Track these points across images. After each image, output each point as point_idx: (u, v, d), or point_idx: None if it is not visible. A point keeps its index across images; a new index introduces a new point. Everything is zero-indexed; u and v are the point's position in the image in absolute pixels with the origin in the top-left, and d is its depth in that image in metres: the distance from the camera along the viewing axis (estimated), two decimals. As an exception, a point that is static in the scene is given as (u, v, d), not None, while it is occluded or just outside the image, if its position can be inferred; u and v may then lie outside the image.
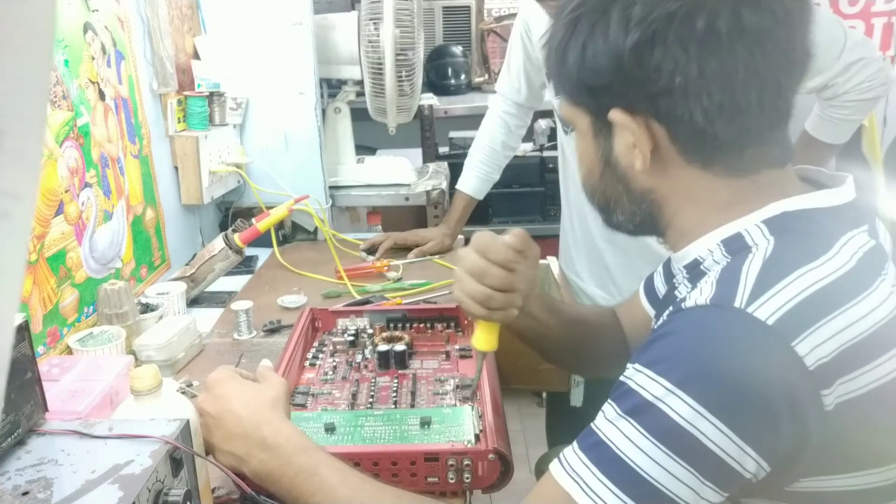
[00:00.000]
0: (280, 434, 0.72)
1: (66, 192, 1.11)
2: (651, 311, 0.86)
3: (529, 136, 2.21)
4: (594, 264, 1.46)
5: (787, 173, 0.65)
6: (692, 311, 0.59)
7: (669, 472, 0.54)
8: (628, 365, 0.60)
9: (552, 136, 2.67)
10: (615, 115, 0.63)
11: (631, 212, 0.70)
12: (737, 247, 0.62)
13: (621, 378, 0.59)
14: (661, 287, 0.85)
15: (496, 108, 1.61)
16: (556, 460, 0.60)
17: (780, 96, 0.62)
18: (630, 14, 0.59)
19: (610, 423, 0.57)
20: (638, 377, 0.57)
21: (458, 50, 2.68)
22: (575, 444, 0.60)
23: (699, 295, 0.59)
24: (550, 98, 1.43)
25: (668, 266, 0.81)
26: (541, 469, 1.32)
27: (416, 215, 2.02)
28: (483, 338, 0.84)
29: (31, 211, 0.24)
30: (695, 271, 0.66)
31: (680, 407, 0.54)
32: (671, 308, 0.64)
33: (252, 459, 0.71)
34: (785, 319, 0.54)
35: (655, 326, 0.66)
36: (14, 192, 0.22)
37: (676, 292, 0.70)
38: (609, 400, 0.59)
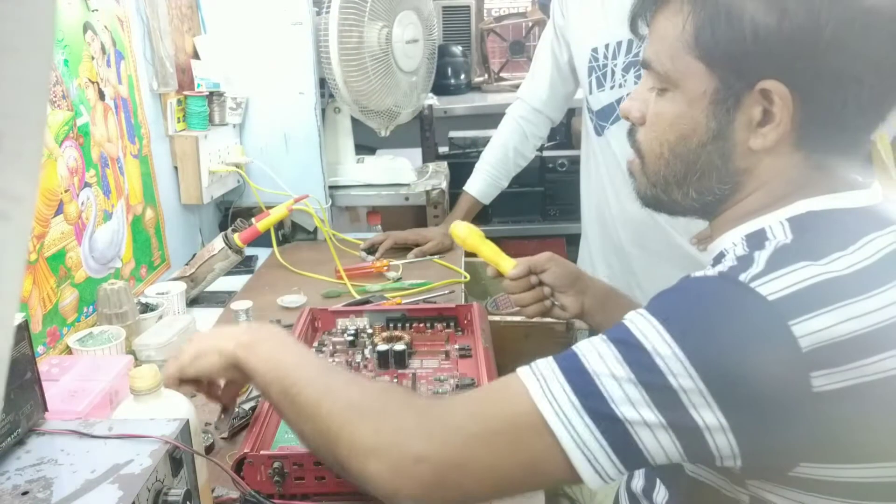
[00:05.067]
0: (283, 331, 0.79)
1: (66, 191, 1.11)
2: None
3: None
4: (619, 271, 1.44)
5: (844, 175, 0.65)
6: (699, 278, 0.61)
7: (630, 399, 0.56)
8: None
9: (552, 136, 2.67)
10: (774, 86, 0.60)
11: (708, 189, 0.67)
12: (758, 241, 0.63)
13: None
14: None
15: (514, 112, 1.58)
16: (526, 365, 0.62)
17: None
18: None
19: (590, 343, 0.60)
20: (632, 315, 0.60)
21: (457, 50, 2.68)
22: (551, 356, 0.62)
23: (710, 269, 0.61)
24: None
25: None
26: None
27: (415, 215, 2.02)
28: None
29: (30, 212, 0.24)
30: (718, 263, 0.67)
31: (662, 347, 0.56)
32: None
33: (245, 334, 0.76)
34: (787, 299, 0.55)
35: None
36: (14, 194, 0.22)
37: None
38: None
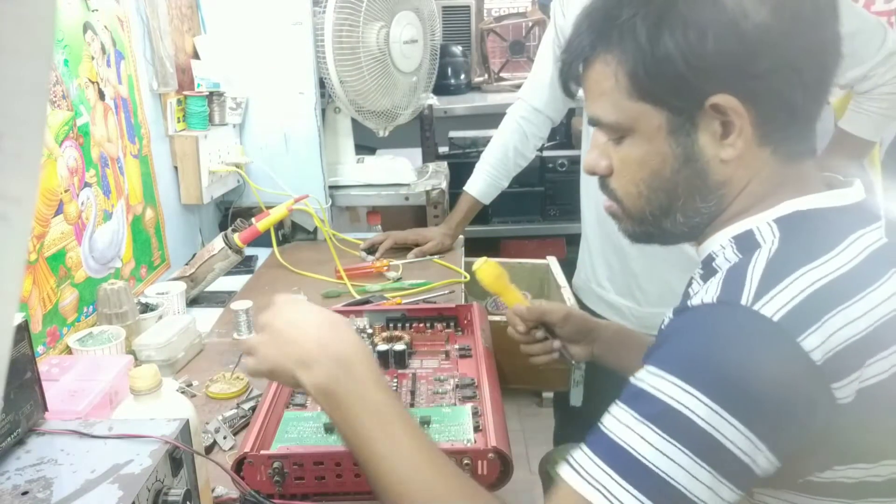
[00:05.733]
0: (360, 357, 0.67)
1: (66, 191, 1.11)
2: None
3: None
4: (619, 272, 1.44)
5: (814, 169, 0.67)
6: (699, 309, 0.60)
7: (691, 474, 0.54)
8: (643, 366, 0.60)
9: (552, 136, 2.67)
10: (723, 99, 0.61)
11: (695, 210, 0.67)
12: (747, 244, 0.63)
13: (632, 380, 0.59)
14: None
15: (514, 112, 1.58)
16: (567, 467, 0.58)
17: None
18: None
19: (627, 428, 0.56)
20: (651, 379, 0.57)
21: (457, 50, 2.68)
22: (587, 449, 0.58)
23: (706, 294, 0.60)
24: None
25: None
26: (545, 469, 1.32)
27: (415, 215, 2.02)
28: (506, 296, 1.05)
29: (30, 214, 0.24)
30: (708, 267, 0.68)
31: (698, 408, 0.54)
32: (679, 305, 0.64)
33: (320, 369, 0.65)
34: (790, 316, 0.55)
35: (663, 326, 0.66)
36: (13, 196, 0.22)
37: (690, 289, 0.71)
38: (620, 403, 0.58)
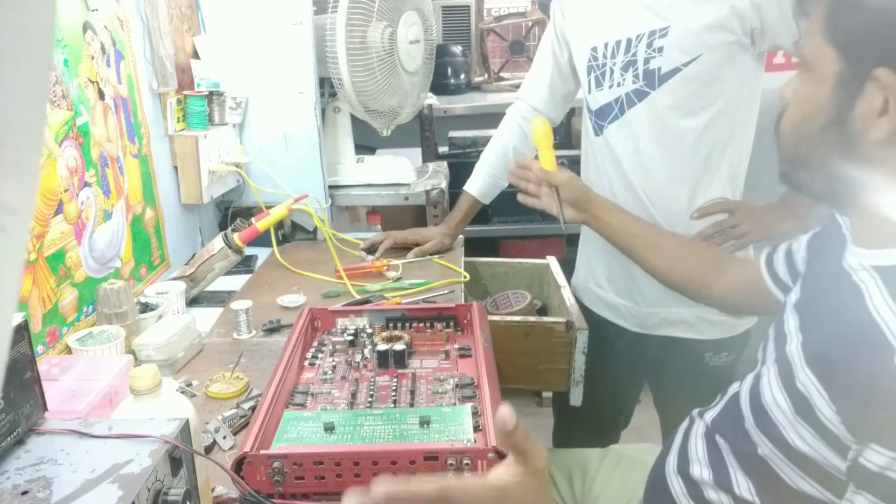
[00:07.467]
0: None
1: (66, 191, 1.11)
2: (778, 294, 0.87)
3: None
4: (617, 272, 1.43)
5: None
6: None
7: None
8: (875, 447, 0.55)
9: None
10: (885, 74, 0.59)
11: (834, 176, 0.65)
12: None
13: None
14: (782, 269, 0.86)
15: (514, 112, 1.58)
16: None
17: None
18: None
19: None
20: None
21: (457, 49, 2.68)
22: None
23: None
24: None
25: (815, 245, 0.78)
26: None
27: (415, 215, 2.02)
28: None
29: (27, 225, 0.24)
30: None
31: None
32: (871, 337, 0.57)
33: None
34: None
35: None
36: (11, 206, 0.22)
37: (864, 287, 0.61)
38: None
